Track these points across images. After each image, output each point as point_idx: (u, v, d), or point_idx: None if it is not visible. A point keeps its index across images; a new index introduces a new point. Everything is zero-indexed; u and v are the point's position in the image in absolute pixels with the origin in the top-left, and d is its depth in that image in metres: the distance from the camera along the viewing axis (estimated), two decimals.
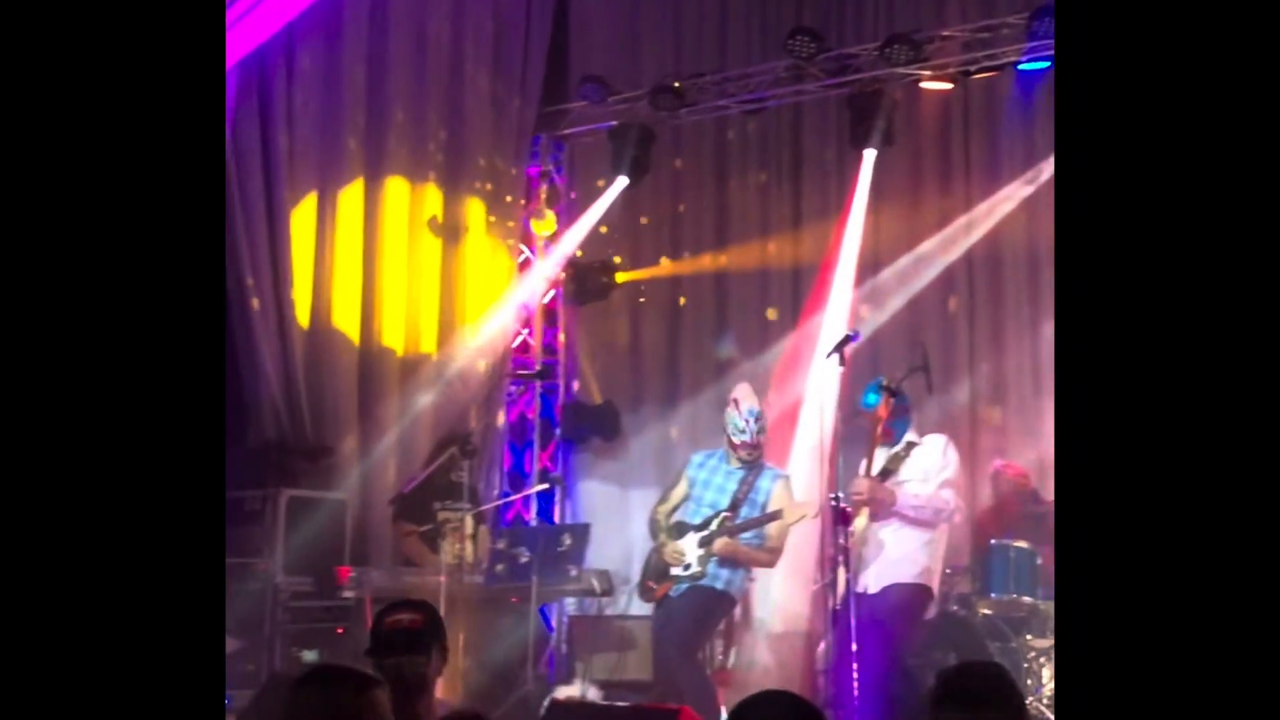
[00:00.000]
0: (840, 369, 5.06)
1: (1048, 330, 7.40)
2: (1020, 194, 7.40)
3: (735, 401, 5.70)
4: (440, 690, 5.84)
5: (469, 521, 6.55)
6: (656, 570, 5.74)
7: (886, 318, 7.60)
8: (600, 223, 8.35)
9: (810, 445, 7.02)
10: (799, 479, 6.20)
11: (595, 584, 6.80)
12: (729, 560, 5.57)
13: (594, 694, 6.29)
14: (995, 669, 2.90)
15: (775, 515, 5.46)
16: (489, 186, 8.11)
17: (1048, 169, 7.28)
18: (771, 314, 8.25)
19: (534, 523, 8.09)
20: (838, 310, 7.38)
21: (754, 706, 2.43)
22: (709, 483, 5.70)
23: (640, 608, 6.40)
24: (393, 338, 7.52)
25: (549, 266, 8.41)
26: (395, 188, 7.57)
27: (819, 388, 6.87)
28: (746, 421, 5.59)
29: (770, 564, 5.81)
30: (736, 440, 5.63)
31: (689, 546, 5.61)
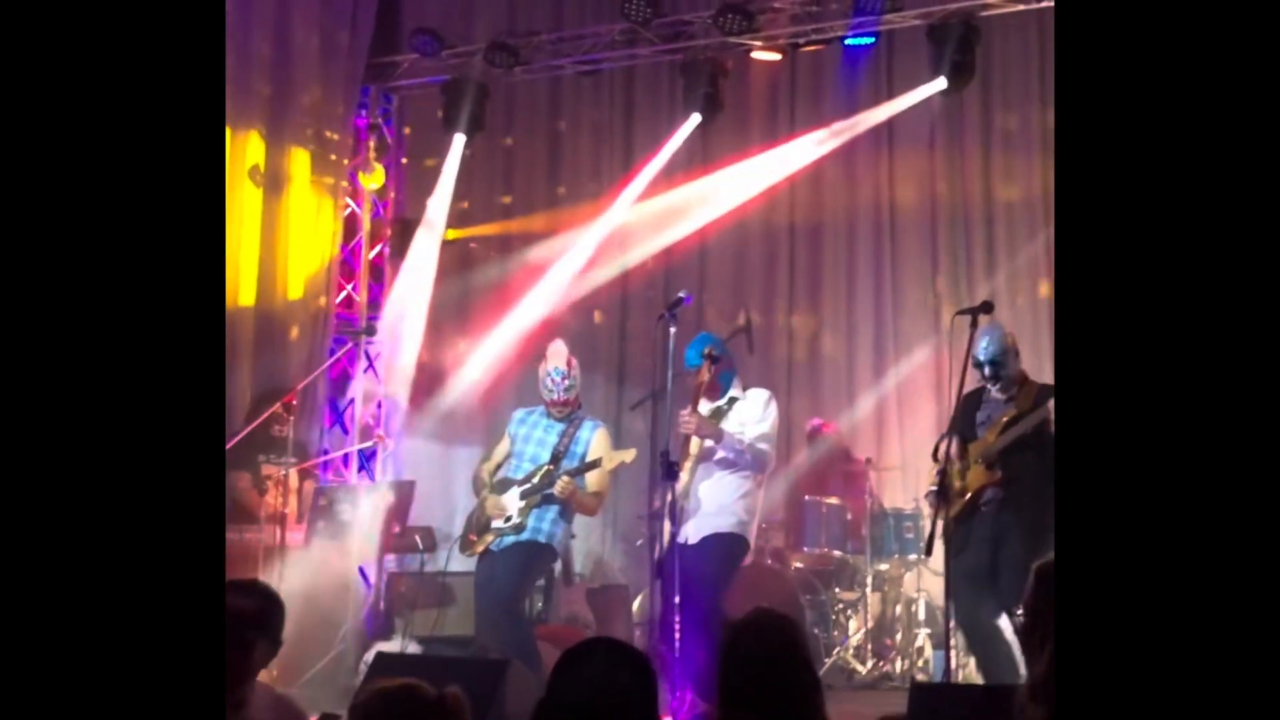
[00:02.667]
0: (672, 329, 5.17)
1: (861, 289, 7.70)
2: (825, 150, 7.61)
3: (544, 359, 5.80)
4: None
5: (293, 475, 6.44)
6: (478, 524, 5.77)
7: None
8: (430, 180, 8.26)
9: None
10: (631, 434, 6.30)
11: (418, 541, 6.78)
12: (555, 509, 5.63)
13: (413, 649, 6.27)
14: (785, 620, 2.99)
15: (594, 464, 5.56)
16: (314, 137, 7.89)
17: (856, 123, 7.53)
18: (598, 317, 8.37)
19: (356, 479, 7.98)
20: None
21: (581, 655, 2.41)
22: (530, 437, 5.77)
23: (461, 564, 6.40)
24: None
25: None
26: None
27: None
28: (555, 380, 5.68)
29: (594, 510, 5.89)
30: (547, 399, 5.72)
31: (510, 500, 5.66)
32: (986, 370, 5.18)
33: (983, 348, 5.17)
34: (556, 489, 5.53)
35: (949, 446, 5.09)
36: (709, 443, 5.32)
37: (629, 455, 5.56)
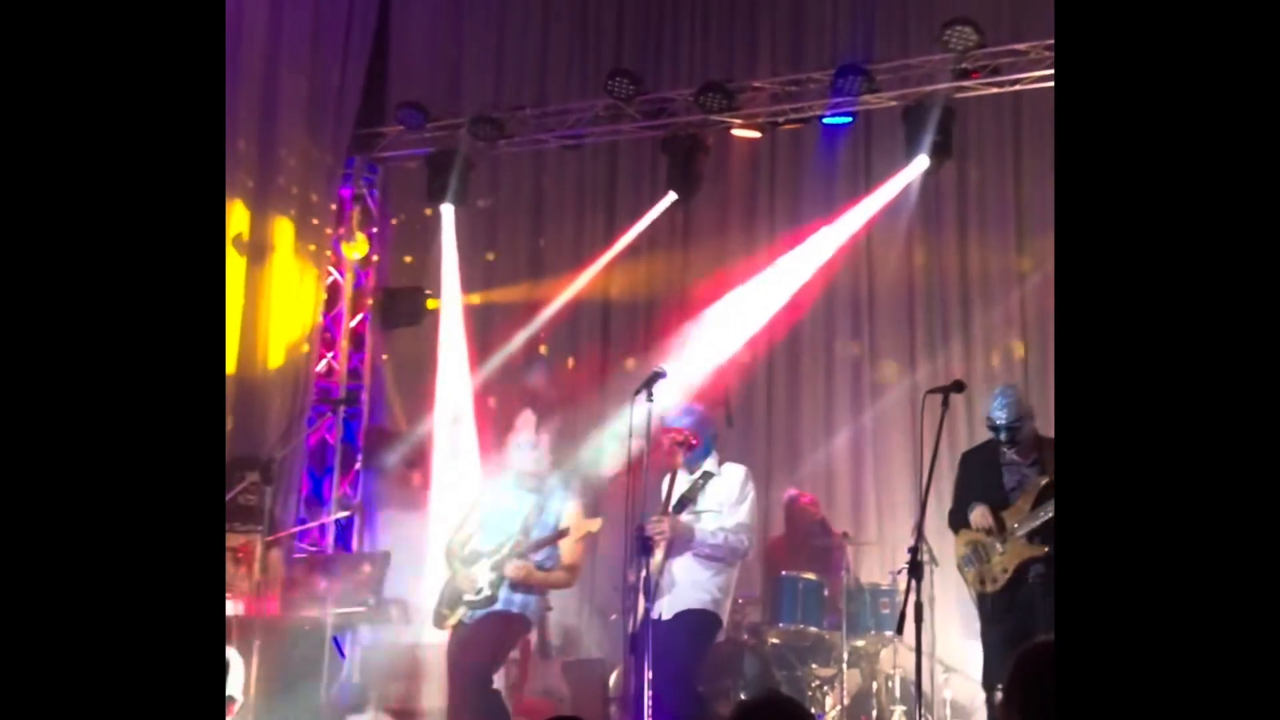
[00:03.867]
0: (649, 404, 5.20)
1: (840, 364, 7.78)
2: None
3: (516, 431, 5.81)
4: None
5: (258, 545, 6.41)
6: (450, 599, 5.74)
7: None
8: (412, 250, 8.34)
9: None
10: (605, 509, 6.30)
11: (392, 612, 6.73)
12: (523, 584, 5.61)
13: None
14: (791, 704, 3.00)
15: (563, 533, 5.55)
16: (299, 207, 7.96)
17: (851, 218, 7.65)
18: (570, 363, 8.42)
19: (331, 550, 7.93)
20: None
21: None
22: (499, 508, 5.76)
23: (435, 636, 6.35)
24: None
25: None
26: None
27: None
28: (524, 452, 5.70)
29: (567, 583, 5.86)
30: (517, 466, 5.73)
31: (480, 572, 5.63)
32: (1003, 435, 5.17)
33: (999, 412, 5.15)
34: (508, 571, 5.50)
35: (982, 515, 5.08)
36: (686, 523, 5.30)
37: (595, 525, 5.56)
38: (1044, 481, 5.11)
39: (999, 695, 4.45)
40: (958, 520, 5.34)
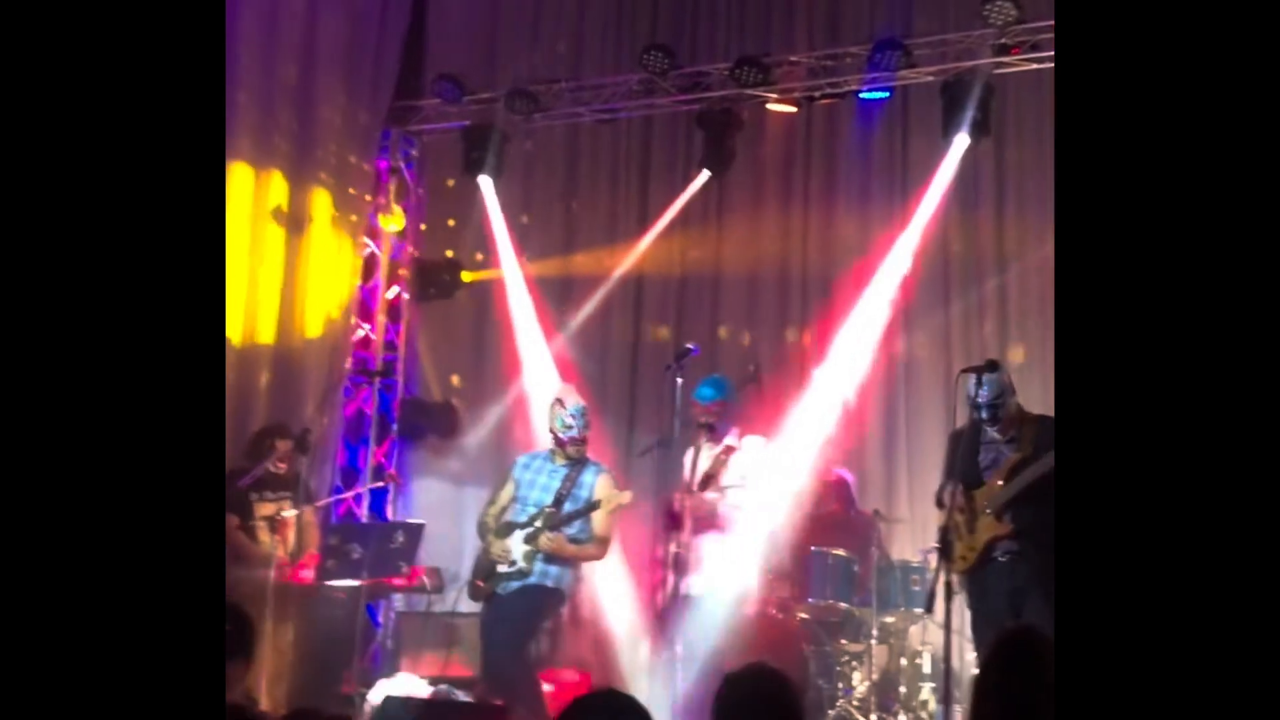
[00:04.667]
0: (679, 380, 5.23)
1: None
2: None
3: (559, 401, 5.84)
4: (264, 685, 5.82)
5: (294, 515, 6.48)
6: (484, 569, 5.81)
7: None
8: (448, 219, 8.38)
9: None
10: (638, 482, 6.35)
11: (426, 581, 6.81)
12: (556, 557, 5.66)
13: (420, 689, 6.29)
14: (778, 675, 3.02)
15: (594, 505, 5.61)
16: (336, 178, 8.01)
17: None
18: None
19: (366, 519, 8.03)
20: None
21: (587, 706, 2.48)
22: (534, 482, 5.81)
23: (469, 605, 6.44)
24: (230, 327, 7.36)
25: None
26: (239, 174, 7.42)
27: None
28: (573, 417, 5.73)
29: (598, 556, 5.91)
30: (564, 436, 5.76)
31: (515, 544, 5.70)
32: (984, 413, 5.13)
33: (980, 391, 5.11)
34: (541, 544, 5.56)
35: (952, 494, 5.06)
36: (711, 500, 5.34)
37: (626, 497, 5.60)
38: (1016, 458, 5.04)
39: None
40: (939, 499, 5.31)
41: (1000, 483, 5.06)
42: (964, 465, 5.13)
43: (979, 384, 5.10)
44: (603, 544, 5.79)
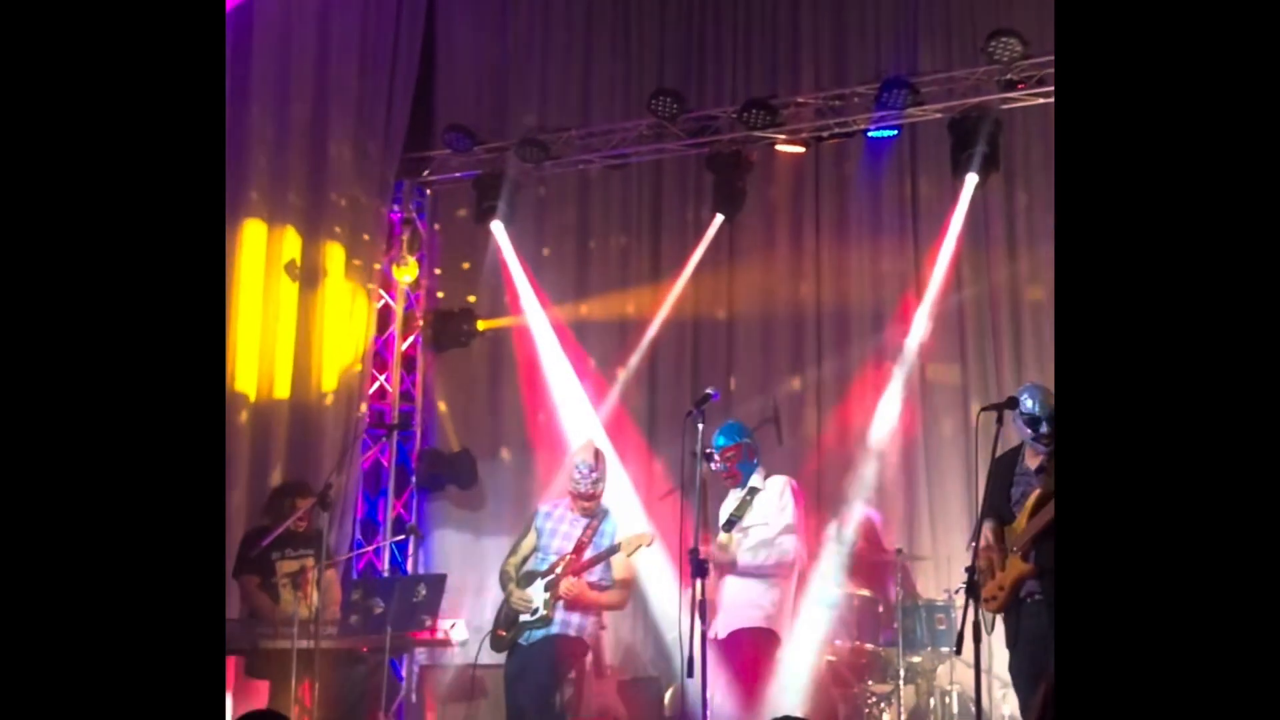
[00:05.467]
0: (700, 425, 5.23)
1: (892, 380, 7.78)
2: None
3: (575, 453, 5.89)
4: None
5: (316, 574, 6.45)
6: (507, 619, 5.81)
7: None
8: (462, 268, 8.42)
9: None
10: (658, 528, 6.33)
11: (449, 634, 6.77)
12: (578, 603, 5.64)
13: None
14: None
15: (614, 549, 5.61)
16: (349, 231, 8.06)
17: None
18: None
19: (387, 573, 8.00)
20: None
21: None
22: (555, 531, 5.83)
23: (492, 657, 6.40)
24: (245, 383, 7.38)
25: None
26: (252, 230, 7.47)
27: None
28: (581, 474, 5.75)
29: (620, 602, 5.88)
30: (573, 490, 5.80)
31: (535, 592, 5.69)
32: (1044, 427, 4.95)
33: (1020, 424, 4.99)
34: (561, 589, 5.55)
35: (978, 535, 4.99)
36: (732, 551, 5.30)
37: (647, 538, 5.60)
38: (1039, 492, 4.92)
39: None
40: (973, 535, 5.24)
41: (1023, 520, 4.98)
42: (995, 499, 5.05)
43: (1023, 395, 4.97)
44: (625, 587, 5.77)
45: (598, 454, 5.87)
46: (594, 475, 5.80)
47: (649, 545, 5.67)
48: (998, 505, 5.03)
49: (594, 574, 5.69)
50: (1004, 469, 5.07)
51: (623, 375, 8.17)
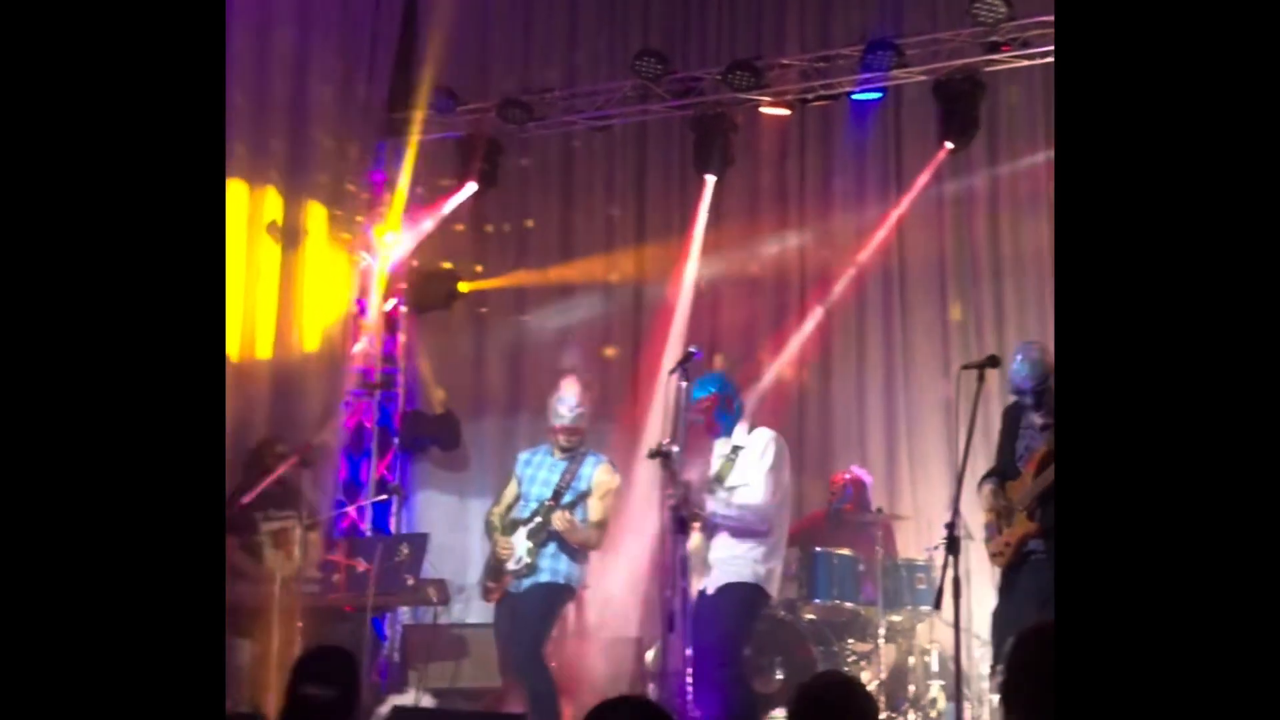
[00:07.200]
0: (684, 384, 5.23)
1: (871, 339, 7.80)
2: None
3: (556, 391, 5.89)
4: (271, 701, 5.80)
5: (298, 533, 6.45)
6: (493, 570, 5.82)
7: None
8: (447, 228, 8.40)
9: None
10: (642, 487, 6.35)
11: (431, 593, 6.80)
12: (566, 546, 5.66)
13: (428, 701, 6.28)
14: (851, 683, 3.02)
15: (585, 493, 5.66)
16: (331, 191, 8.00)
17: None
18: (610, 351, 8.44)
19: (370, 533, 8.01)
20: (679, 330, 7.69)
21: (608, 712, 2.46)
22: (534, 477, 5.84)
23: (477, 615, 6.44)
24: (228, 343, 7.34)
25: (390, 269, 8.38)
26: (234, 190, 7.41)
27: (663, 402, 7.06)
28: (566, 407, 5.77)
29: (596, 542, 5.87)
30: (556, 424, 5.78)
31: (518, 540, 5.71)
32: (1029, 399, 4.96)
33: (1023, 379, 4.96)
34: (555, 522, 5.59)
35: (991, 491, 4.96)
36: (710, 509, 5.30)
37: (615, 481, 5.72)
38: (1044, 450, 4.90)
39: (998, 677, 4.44)
40: (979, 488, 5.24)
41: (1029, 478, 4.96)
42: (1000, 454, 5.04)
43: (1019, 367, 4.93)
44: (599, 528, 5.78)
45: (580, 390, 5.87)
46: (578, 409, 5.79)
47: (615, 488, 5.75)
48: (1003, 461, 5.02)
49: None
50: (1011, 422, 5.07)
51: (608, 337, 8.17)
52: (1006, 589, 5.01)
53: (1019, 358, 5.06)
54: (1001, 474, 5.05)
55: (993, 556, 5.12)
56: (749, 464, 5.33)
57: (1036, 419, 5.06)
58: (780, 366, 7.86)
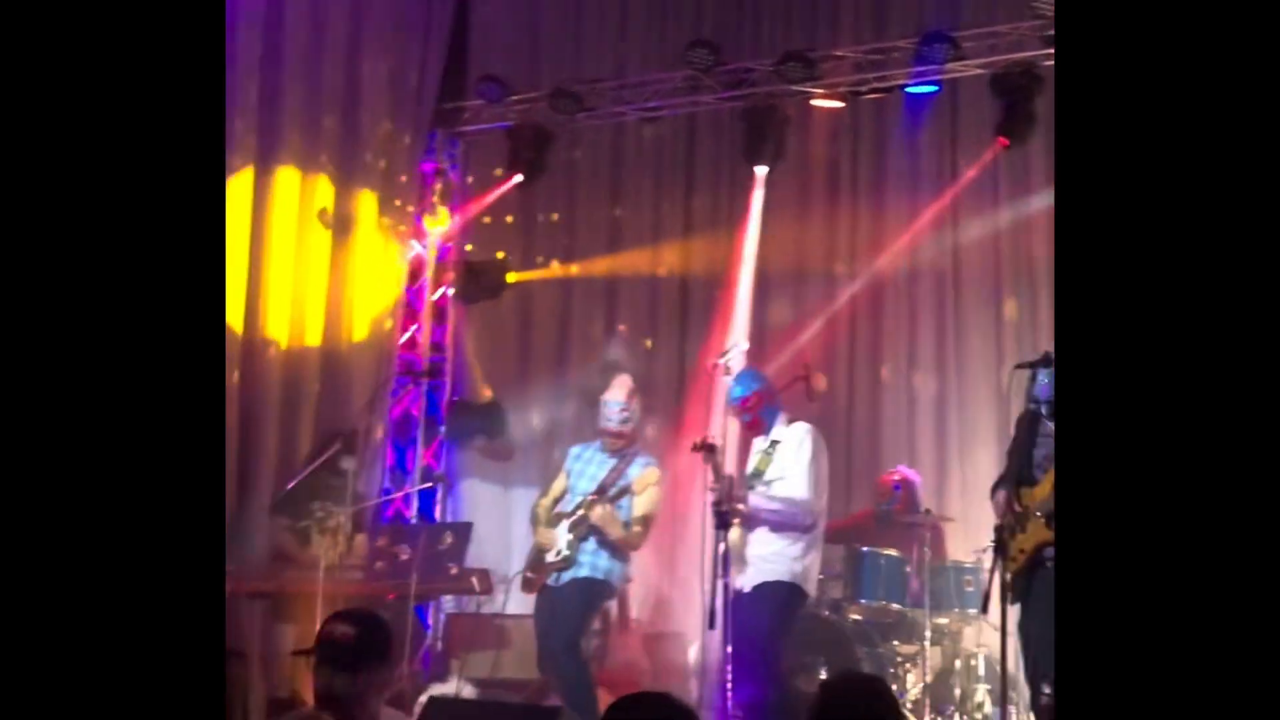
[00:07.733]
0: (728, 378, 5.20)
1: (923, 338, 7.69)
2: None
3: (607, 389, 5.90)
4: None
5: (344, 520, 6.51)
6: (534, 561, 5.84)
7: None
8: (496, 218, 8.40)
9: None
10: (685, 481, 6.32)
11: (474, 582, 6.80)
12: (605, 542, 5.64)
13: (469, 691, 6.29)
14: (877, 683, 2.98)
15: (625, 489, 5.62)
16: (382, 180, 8.03)
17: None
18: (653, 345, 8.40)
19: (414, 520, 8.05)
20: (739, 326, 7.64)
21: (629, 706, 2.48)
22: (583, 472, 5.85)
23: (518, 606, 6.43)
24: (277, 330, 7.40)
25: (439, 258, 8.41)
26: (286, 177, 7.46)
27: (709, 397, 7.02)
28: (614, 410, 5.76)
29: (638, 543, 5.86)
30: (604, 426, 5.83)
31: (560, 532, 5.71)
32: (1044, 409, 4.93)
33: (1043, 385, 4.92)
34: (593, 515, 5.57)
35: (1005, 496, 4.92)
36: (752, 504, 5.26)
37: (654, 475, 5.68)
38: None
39: (1045, 696, 4.35)
40: (992, 493, 5.17)
41: (1047, 484, 4.90)
42: (1017, 460, 4.99)
43: (1033, 379, 4.94)
44: (641, 525, 5.76)
45: (631, 392, 5.85)
46: (624, 414, 5.78)
47: (655, 482, 5.70)
48: (1017, 467, 4.97)
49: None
50: (1027, 429, 5.01)
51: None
52: (1023, 596, 4.92)
53: (1045, 373, 4.97)
54: (1016, 480, 4.96)
55: (1007, 562, 5.00)
56: (787, 457, 5.29)
57: (1054, 426, 4.98)
58: (828, 363, 7.77)
